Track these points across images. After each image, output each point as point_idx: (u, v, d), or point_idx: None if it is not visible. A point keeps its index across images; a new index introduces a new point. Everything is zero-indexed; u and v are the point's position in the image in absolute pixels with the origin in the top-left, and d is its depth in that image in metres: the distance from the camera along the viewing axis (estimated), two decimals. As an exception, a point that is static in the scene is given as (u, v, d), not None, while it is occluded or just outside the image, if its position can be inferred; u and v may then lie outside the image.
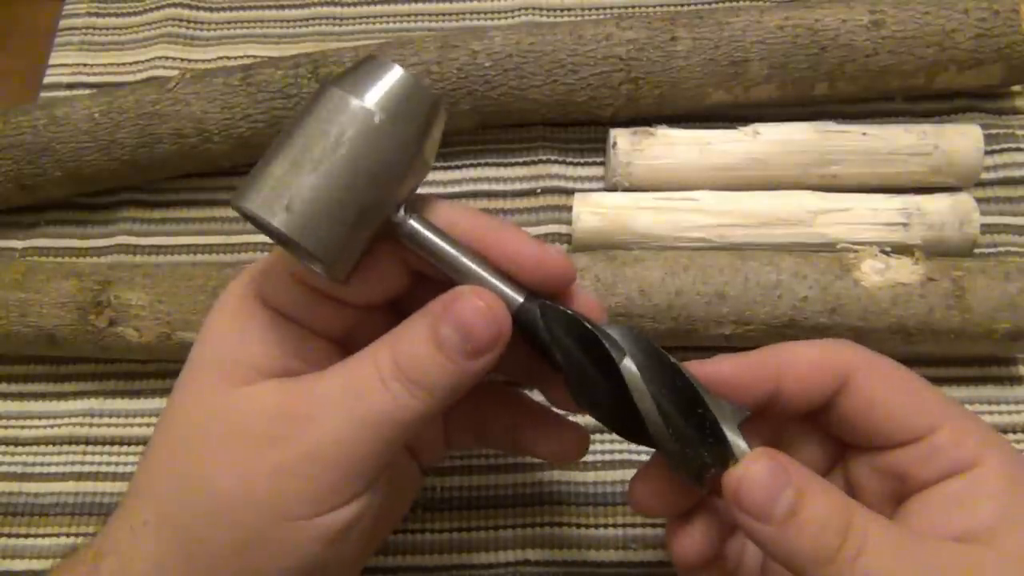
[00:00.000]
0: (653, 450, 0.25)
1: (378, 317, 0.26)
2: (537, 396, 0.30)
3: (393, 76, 0.22)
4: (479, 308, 0.23)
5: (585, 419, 0.32)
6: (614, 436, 0.36)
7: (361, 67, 0.23)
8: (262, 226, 0.22)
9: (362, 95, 0.22)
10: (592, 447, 0.36)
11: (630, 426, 0.24)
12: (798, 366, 0.25)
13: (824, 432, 0.26)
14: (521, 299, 0.24)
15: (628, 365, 0.23)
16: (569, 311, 0.24)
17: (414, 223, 0.23)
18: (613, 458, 0.36)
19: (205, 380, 0.24)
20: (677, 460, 0.24)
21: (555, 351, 0.23)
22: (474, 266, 0.24)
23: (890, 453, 0.24)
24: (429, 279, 0.25)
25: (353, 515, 0.23)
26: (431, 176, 0.43)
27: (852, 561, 0.21)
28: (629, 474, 0.36)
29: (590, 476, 0.36)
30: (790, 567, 0.22)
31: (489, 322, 0.23)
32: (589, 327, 0.23)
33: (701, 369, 0.25)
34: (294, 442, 0.22)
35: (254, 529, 0.22)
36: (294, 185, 0.21)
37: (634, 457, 0.36)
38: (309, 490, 0.22)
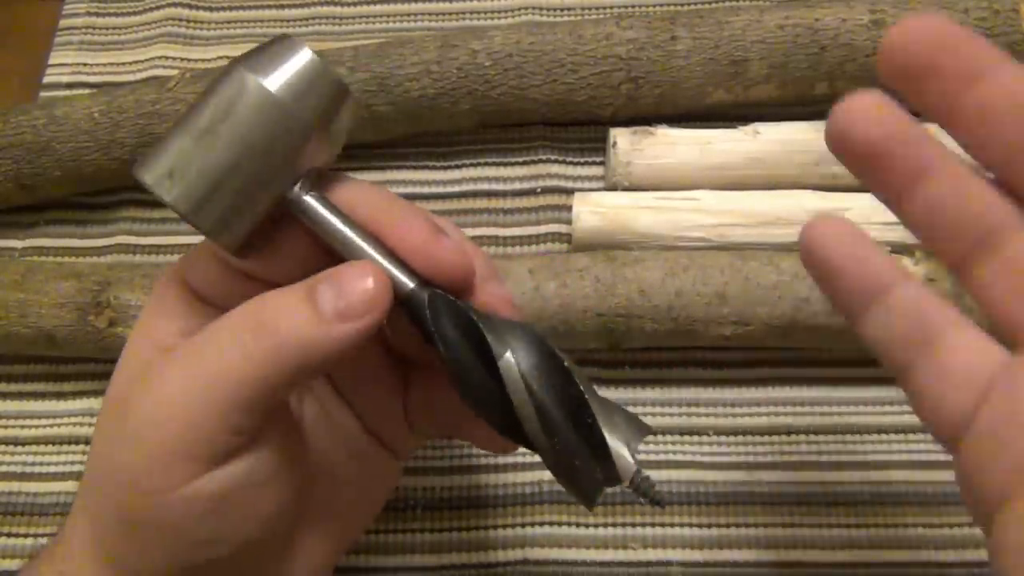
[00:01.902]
0: None
1: None
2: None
3: (299, 57, 0.23)
4: (363, 273, 0.22)
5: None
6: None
7: (269, 47, 0.23)
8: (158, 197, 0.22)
9: (258, 71, 0.22)
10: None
11: (514, 429, 0.23)
12: None
13: None
14: (412, 284, 0.23)
15: (508, 361, 0.22)
16: (459, 303, 0.23)
17: (310, 200, 0.23)
18: (613, 458, 0.36)
19: (120, 362, 0.24)
20: (558, 468, 0.23)
21: (438, 342, 0.23)
22: (368, 248, 0.23)
23: None
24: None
25: (225, 483, 0.22)
26: (432, 176, 0.44)
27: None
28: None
29: (590, 476, 0.36)
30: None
31: (367, 287, 0.22)
32: (475, 320, 0.23)
33: None
34: (137, 407, 0.22)
35: (126, 506, 0.22)
36: (180, 155, 0.22)
37: (634, 457, 0.36)
38: (155, 457, 0.21)
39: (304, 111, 0.22)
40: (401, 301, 0.23)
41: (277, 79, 0.22)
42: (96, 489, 0.23)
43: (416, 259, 0.23)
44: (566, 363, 0.23)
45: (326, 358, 0.22)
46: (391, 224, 0.23)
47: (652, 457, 0.36)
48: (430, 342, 0.23)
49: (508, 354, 0.22)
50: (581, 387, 0.22)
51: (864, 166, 0.22)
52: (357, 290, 0.22)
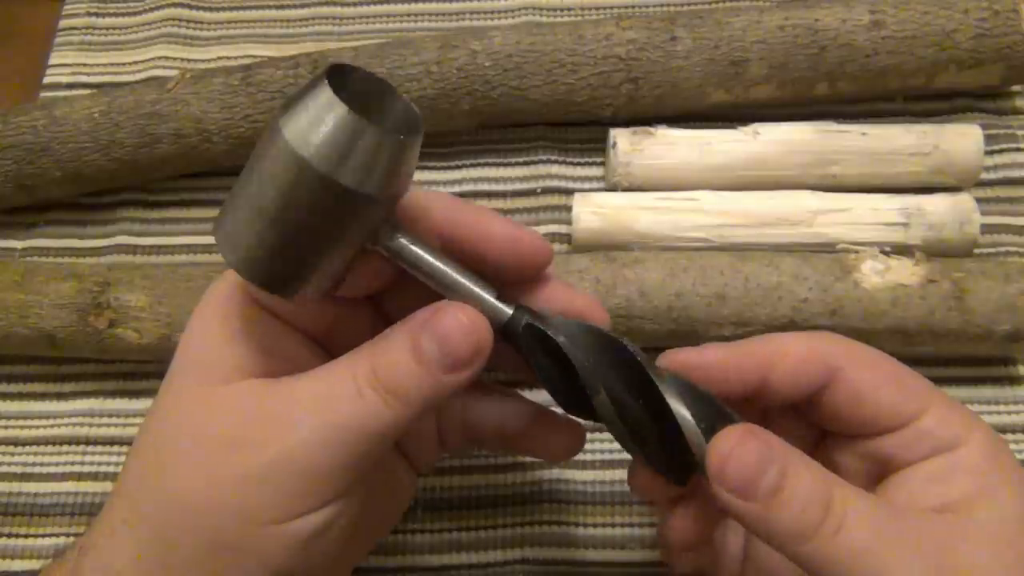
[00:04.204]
0: None
1: (362, 310, 0.26)
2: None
3: (337, 118, 0.20)
4: (461, 323, 0.22)
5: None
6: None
7: (310, 102, 0.20)
8: None
9: (310, 149, 0.20)
10: (591, 446, 0.36)
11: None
12: (787, 359, 0.25)
13: (805, 416, 0.26)
14: (509, 311, 0.24)
15: (603, 401, 0.23)
16: (548, 330, 0.24)
17: (391, 243, 0.23)
18: (612, 457, 0.36)
19: (185, 380, 0.24)
20: (649, 463, 0.25)
21: (536, 368, 0.24)
22: (460, 279, 0.23)
23: (875, 439, 0.24)
24: None
25: (323, 521, 0.23)
26: (432, 176, 0.44)
27: (833, 536, 0.21)
28: (629, 474, 0.36)
29: (589, 475, 0.36)
30: (773, 543, 0.22)
31: (469, 337, 0.22)
32: (568, 356, 0.23)
33: (687, 356, 0.25)
34: (263, 447, 0.22)
35: (222, 534, 0.22)
36: (256, 237, 0.21)
37: (634, 457, 0.36)
38: (277, 496, 0.22)
39: (371, 181, 0.20)
40: (496, 329, 0.24)
41: (333, 158, 0.20)
42: (166, 513, 0.23)
43: (504, 250, 0.24)
44: (654, 379, 0.23)
45: (437, 407, 0.23)
46: (473, 224, 0.24)
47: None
48: (526, 363, 0.24)
49: (602, 392, 0.23)
50: (668, 402, 0.23)
51: None
52: (461, 341, 0.22)
